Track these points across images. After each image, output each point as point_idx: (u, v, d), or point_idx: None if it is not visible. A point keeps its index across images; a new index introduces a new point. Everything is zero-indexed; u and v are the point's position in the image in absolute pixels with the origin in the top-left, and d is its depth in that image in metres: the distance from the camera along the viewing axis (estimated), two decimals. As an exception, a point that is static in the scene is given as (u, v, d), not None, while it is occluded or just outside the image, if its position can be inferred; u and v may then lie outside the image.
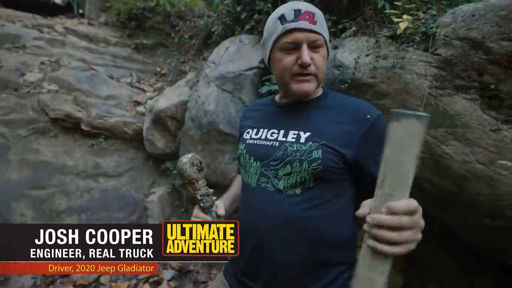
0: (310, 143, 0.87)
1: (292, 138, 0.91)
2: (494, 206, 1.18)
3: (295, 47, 0.89)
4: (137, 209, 2.73)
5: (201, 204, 0.95)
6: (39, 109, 2.76)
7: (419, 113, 0.47)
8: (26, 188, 2.34)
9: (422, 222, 0.56)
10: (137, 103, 3.35)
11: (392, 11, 1.47)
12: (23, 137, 2.58)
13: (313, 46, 0.89)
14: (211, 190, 0.97)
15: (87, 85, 3.14)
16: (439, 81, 1.25)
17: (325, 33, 0.91)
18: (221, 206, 0.99)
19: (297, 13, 0.87)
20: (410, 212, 0.53)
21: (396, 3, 1.47)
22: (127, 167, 2.92)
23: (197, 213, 0.97)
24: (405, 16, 1.38)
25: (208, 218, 0.95)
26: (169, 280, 2.34)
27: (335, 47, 1.72)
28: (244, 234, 0.98)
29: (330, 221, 0.89)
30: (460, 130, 1.21)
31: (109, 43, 4.43)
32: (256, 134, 1.00)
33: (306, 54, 0.87)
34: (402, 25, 1.34)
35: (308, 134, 0.90)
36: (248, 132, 1.03)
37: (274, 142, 0.93)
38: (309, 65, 0.88)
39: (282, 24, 0.89)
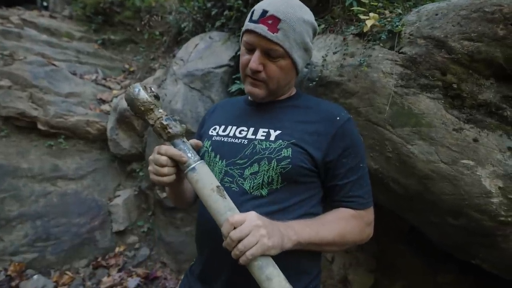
0: (280, 141, 0.83)
1: (262, 136, 0.86)
2: (457, 206, 1.19)
3: (252, 48, 0.84)
4: (100, 214, 2.56)
5: (169, 130, 0.74)
6: (-12, 107, 2.52)
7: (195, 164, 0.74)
8: (-30, 193, 2.12)
9: (253, 223, 0.67)
10: (102, 101, 3.16)
11: (359, 8, 1.45)
12: (-32, 137, 2.34)
13: (268, 55, 0.83)
14: (177, 117, 0.78)
15: (46, 81, 2.91)
16: (404, 79, 1.24)
17: (289, 44, 0.82)
18: (194, 140, 0.82)
19: (263, 14, 0.81)
20: (237, 224, 0.66)
21: (363, 0, 1.45)
22: (89, 169, 2.74)
23: (162, 146, 0.76)
24: (371, 14, 1.36)
25: (179, 152, 0.74)
26: (134, 288, 2.22)
27: (304, 45, 1.69)
28: (203, 237, 0.92)
29: None
30: (425, 129, 1.20)
31: (73, 38, 4.17)
32: (224, 131, 0.94)
33: (254, 61, 0.83)
34: (369, 23, 1.32)
35: (278, 132, 0.85)
36: (215, 129, 0.96)
37: (243, 140, 0.88)
38: (257, 71, 0.84)
39: (248, 21, 0.85)
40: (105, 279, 2.25)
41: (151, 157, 0.79)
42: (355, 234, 0.84)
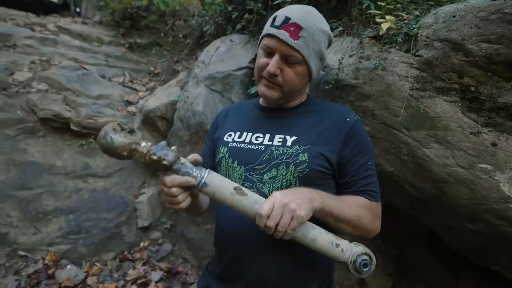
0: (297, 146, 0.88)
1: (278, 142, 0.91)
2: (475, 210, 1.17)
3: (271, 52, 0.88)
4: (127, 210, 2.71)
5: (164, 163, 0.71)
6: (27, 109, 2.73)
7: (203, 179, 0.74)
8: (12, 188, 2.32)
9: (281, 203, 0.69)
10: (129, 103, 3.33)
11: (376, 11, 1.45)
12: (11, 137, 2.55)
13: (287, 60, 0.87)
14: (163, 142, 0.74)
15: (78, 84, 3.11)
16: (420, 82, 1.23)
17: (307, 52, 0.87)
18: (193, 155, 0.80)
19: (286, 21, 0.86)
20: (268, 213, 0.69)
21: (380, 3, 1.45)
22: (117, 168, 2.89)
23: (166, 178, 0.74)
24: (388, 17, 1.36)
25: (184, 177, 0.73)
26: (157, 282, 2.33)
27: (321, 48, 1.70)
28: (224, 241, 0.97)
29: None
30: (441, 132, 1.19)
31: (102, 42, 4.41)
32: (240, 137, 0.98)
33: (272, 65, 0.87)
34: (384, 26, 1.32)
35: (294, 138, 0.90)
36: (230, 135, 1.01)
37: (260, 146, 0.92)
38: (274, 75, 0.88)
39: (270, 26, 0.89)
40: (130, 271, 2.38)
41: (161, 189, 0.79)
42: (368, 220, 0.88)
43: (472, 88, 1.14)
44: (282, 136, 0.91)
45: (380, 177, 1.31)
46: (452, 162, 1.17)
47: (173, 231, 2.77)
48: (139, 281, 2.31)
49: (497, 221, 1.13)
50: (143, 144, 0.71)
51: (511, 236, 1.12)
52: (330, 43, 0.96)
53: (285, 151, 0.88)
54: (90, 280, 2.23)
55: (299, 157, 0.86)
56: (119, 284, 2.27)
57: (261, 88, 0.93)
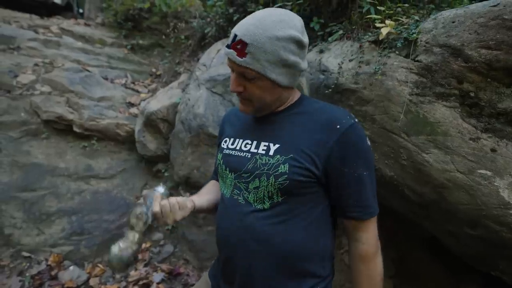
0: (278, 156, 0.85)
1: (263, 150, 0.89)
2: (474, 216, 1.16)
3: (232, 70, 0.89)
4: (129, 211, 2.72)
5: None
6: (31, 111, 2.76)
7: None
8: (16, 190, 2.35)
9: None
10: (131, 105, 3.35)
11: (375, 16, 1.45)
12: (14, 139, 2.59)
13: (245, 77, 0.85)
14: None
15: (80, 86, 3.14)
16: (419, 88, 1.23)
17: (260, 66, 0.81)
18: (156, 204, 0.93)
19: (234, 38, 0.83)
20: None
21: (380, 7, 1.45)
22: (119, 169, 2.92)
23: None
24: (387, 21, 1.36)
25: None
26: (158, 283, 2.34)
27: (321, 51, 1.71)
28: (219, 243, 0.99)
29: (299, 235, 0.88)
30: (440, 138, 1.19)
31: (105, 44, 4.43)
32: (233, 144, 0.99)
33: (231, 84, 0.88)
34: (384, 31, 1.32)
35: (277, 146, 0.88)
36: (225, 142, 1.03)
37: (247, 154, 0.92)
38: (239, 92, 0.89)
39: (226, 45, 0.88)
40: (132, 272, 2.40)
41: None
42: (380, 262, 0.93)
43: (472, 94, 1.14)
44: (267, 144, 0.89)
45: (380, 181, 1.32)
46: (451, 168, 1.17)
47: (175, 233, 2.78)
48: (140, 282, 2.32)
49: (496, 227, 1.12)
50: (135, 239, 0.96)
51: (511, 242, 1.12)
52: (299, 43, 0.84)
53: (267, 161, 0.86)
54: (93, 281, 2.25)
55: (279, 168, 0.83)
56: (121, 285, 2.29)
57: (238, 103, 0.95)
